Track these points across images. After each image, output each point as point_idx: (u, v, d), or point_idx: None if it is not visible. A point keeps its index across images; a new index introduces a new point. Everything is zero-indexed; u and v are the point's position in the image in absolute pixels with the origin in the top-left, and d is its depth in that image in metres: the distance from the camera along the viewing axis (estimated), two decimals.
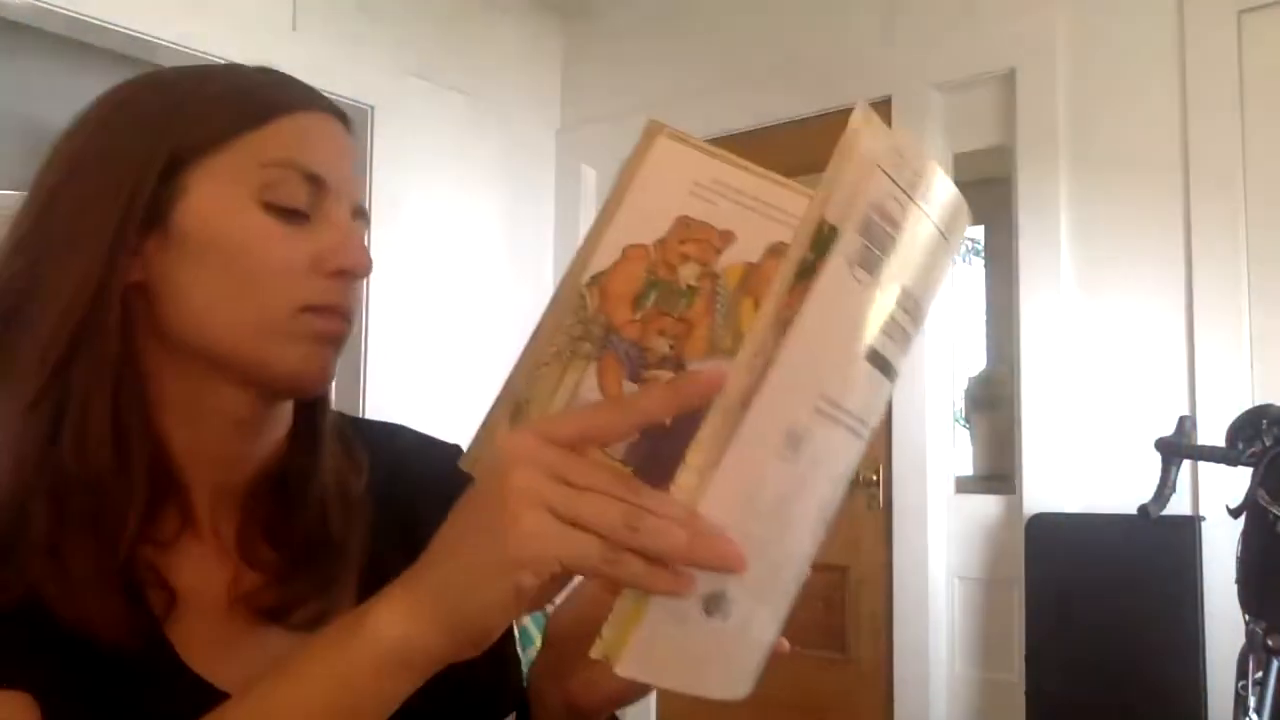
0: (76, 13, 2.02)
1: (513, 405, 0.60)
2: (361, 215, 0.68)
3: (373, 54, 2.55)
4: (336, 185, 0.65)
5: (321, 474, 0.68)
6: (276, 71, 0.68)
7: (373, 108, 2.55)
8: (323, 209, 0.64)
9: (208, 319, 0.62)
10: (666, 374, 0.57)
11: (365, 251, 0.65)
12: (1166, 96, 2.02)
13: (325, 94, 0.68)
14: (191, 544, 0.65)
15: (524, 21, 2.94)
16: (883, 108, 2.40)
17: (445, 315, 2.68)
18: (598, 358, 0.58)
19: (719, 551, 0.48)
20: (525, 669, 0.95)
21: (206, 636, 0.63)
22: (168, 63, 2.26)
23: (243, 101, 0.63)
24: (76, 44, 2.15)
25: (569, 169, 2.96)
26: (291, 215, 0.63)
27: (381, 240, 2.57)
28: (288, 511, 0.66)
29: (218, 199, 0.62)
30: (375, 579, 0.66)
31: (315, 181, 0.63)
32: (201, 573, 0.64)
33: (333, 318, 0.64)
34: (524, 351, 0.60)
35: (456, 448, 0.76)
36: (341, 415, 0.74)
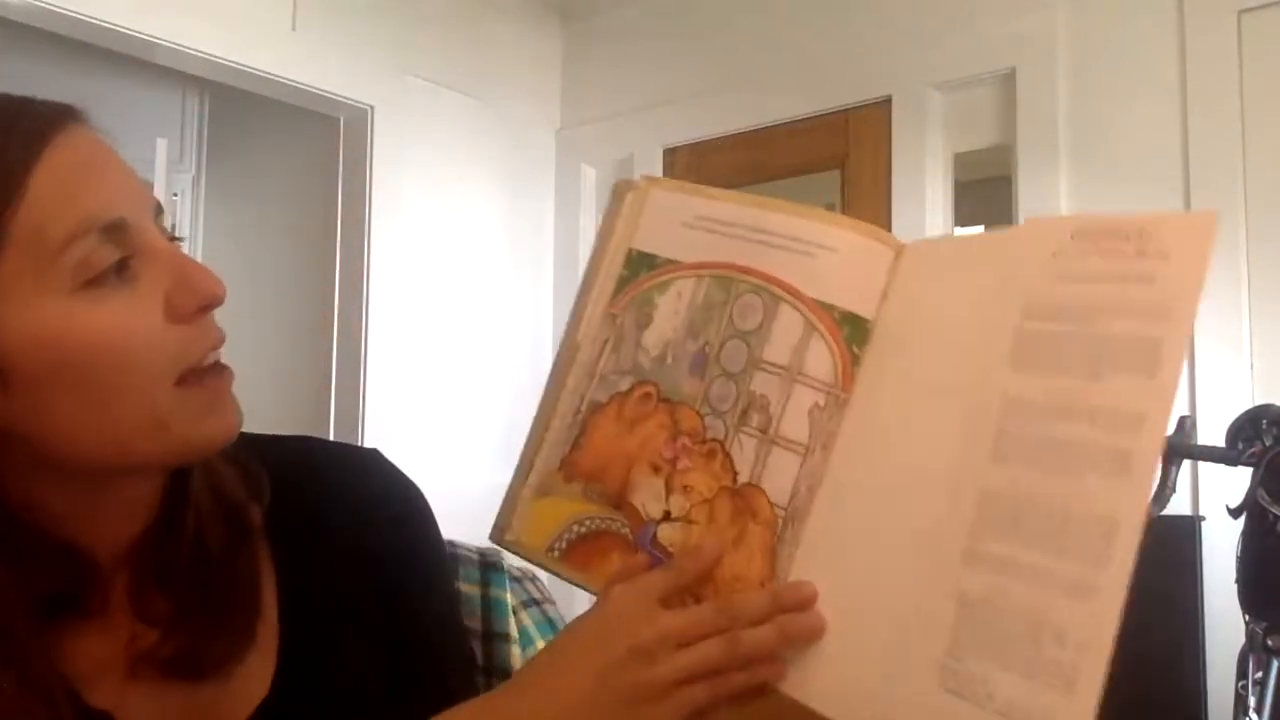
0: (76, 13, 2.02)
1: (528, 465, 0.68)
2: (162, 212, 0.60)
3: (373, 54, 2.55)
4: (134, 212, 0.56)
5: (193, 509, 0.62)
6: None
7: (373, 108, 2.54)
8: (135, 242, 0.55)
9: (93, 439, 0.55)
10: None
11: (211, 275, 0.58)
12: (1166, 96, 2.02)
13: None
14: (95, 618, 0.60)
15: (524, 21, 2.94)
16: (883, 107, 2.40)
17: (445, 315, 2.68)
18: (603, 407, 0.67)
19: (807, 629, 0.59)
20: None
21: (139, 707, 0.60)
22: (168, 63, 2.26)
23: None
24: (77, 44, 2.15)
25: (569, 169, 2.96)
26: (116, 273, 0.54)
27: (381, 240, 2.57)
28: (172, 556, 0.61)
29: (33, 316, 0.52)
30: (295, 603, 0.66)
31: (118, 226, 0.54)
32: (110, 642, 0.60)
33: (217, 369, 0.59)
34: (536, 416, 0.69)
35: (374, 453, 0.76)
36: (241, 437, 0.67)
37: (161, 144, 2.80)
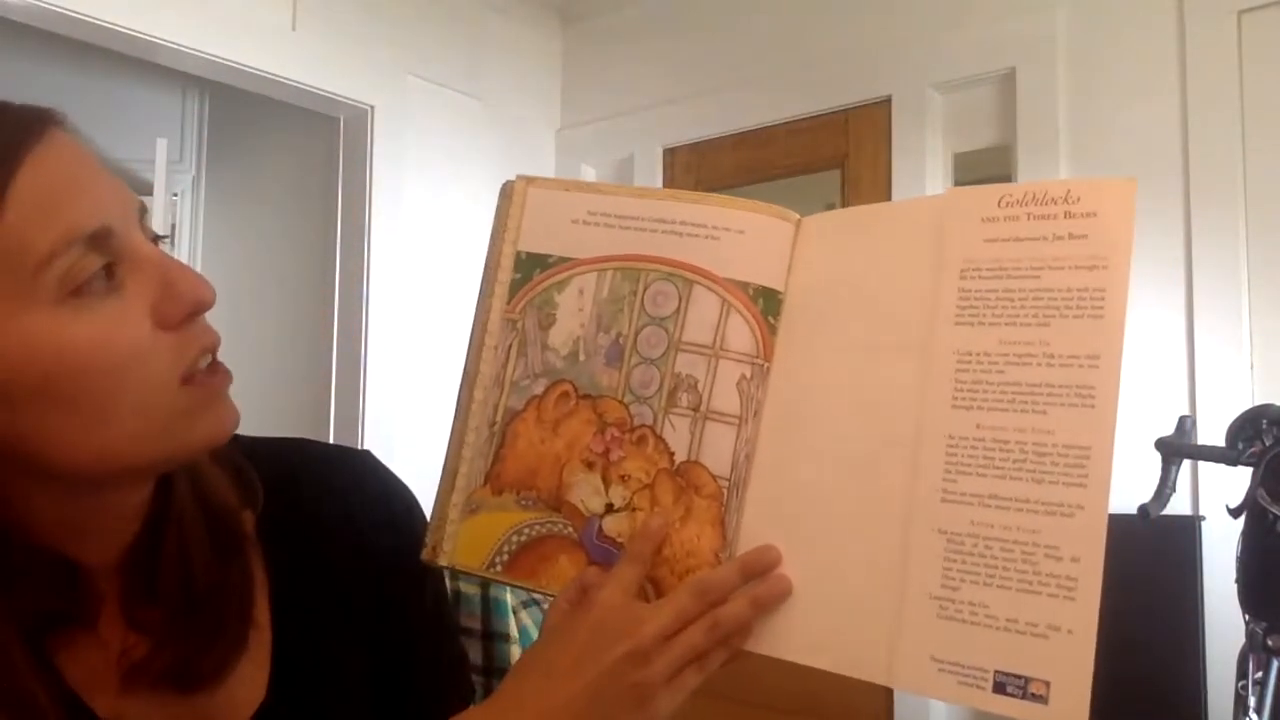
0: (76, 13, 2.02)
1: (451, 480, 0.65)
2: (146, 211, 0.58)
3: (373, 54, 2.55)
4: (118, 218, 0.54)
5: (175, 519, 0.61)
6: None
7: (373, 108, 2.54)
8: (121, 249, 0.54)
9: (95, 449, 0.53)
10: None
11: (199, 280, 0.56)
12: (1166, 96, 2.02)
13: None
14: (89, 629, 0.59)
15: (524, 21, 2.94)
16: (883, 108, 2.40)
17: (445, 315, 2.68)
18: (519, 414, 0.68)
19: (775, 593, 0.61)
20: None
21: (136, 716, 0.59)
22: (168, 63, 2.26)
23: None
24: (77, 44, 2.15)
25: (569, 169, 2.96)
26: (102, 280, 0.53)
27: (381, 240, 2.57)
28: (159, 567, 0.61)
29: (17, 329, 0.51)
30: (288, 606, 0.66)
31: (103, 235, 0.53)
32: (104, 654, 0.59)
33: (212, 370, 0.58)
34: (452, 430, 0.69)
35: (366, 454, 0.76)
36: (235, 440, 0.65)
37: (161, 144, 2.80)
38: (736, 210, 0.67)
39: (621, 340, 0.66)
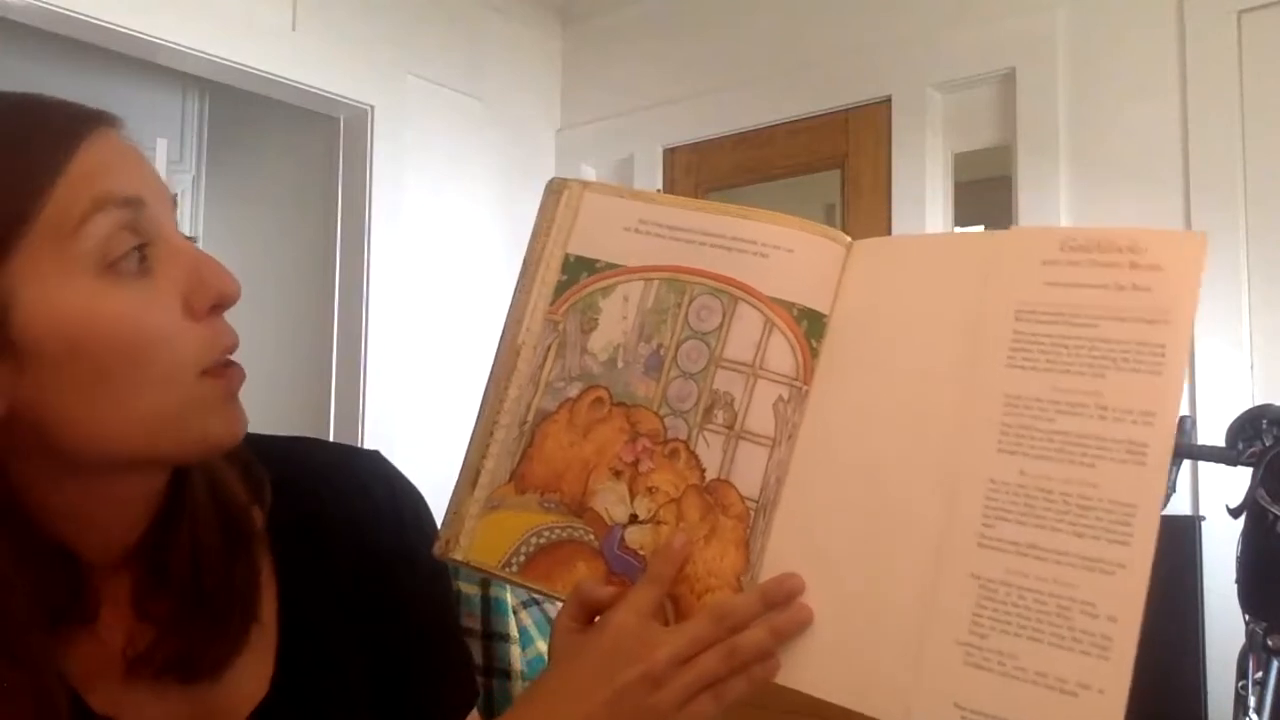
0: (77, 13, 2.02)
1: (473, 475, 0.63)
2: (176, 204, 0.61)
3: (373, 54, 2.55)
4: (152, 198, 0.57)
5: (189, 512, 0.62)
6: (29, 100, 0.57)
7: (373, 108, 2.54)
8: (152, 230, 0.56)
9: (108, 429, 0.54)
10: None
11: (226, 273, 0.58)
12: (1166, 96, 2.02)
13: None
14: (90, 622, 0.59)
15: (524, 21, 2.94)
16: (883, 108, 2.40)
17: (445, 315, 2.68)
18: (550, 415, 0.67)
19: (796, 623, 0.60)
20: (525, 669, 0.95)
21: (138, 709, 0.60)
22: (168, 63, 2.26)
23: (22, 166, 0.53)
24: (77, 44, 2.15)
25: (569, 169, 2.95)
26: (135, 262, 0.54)
27: (381, 240, 2.57)
28: (170, 558, 0.61)
29: (54, 297, 0.52)
30: (294, 604, 0.66)
31: (135, 203, 0.55)
32: (106, 647, 0.60)
33: (231, 368, 0.59)
34: (476, 424, 0.65)
35: (374, 455, 0.76)
36: (244, 438, 0.66)
37: (161, 144, 2.80)
38: (787, 228, 0.65)
39: (662, 351, 0.65)
